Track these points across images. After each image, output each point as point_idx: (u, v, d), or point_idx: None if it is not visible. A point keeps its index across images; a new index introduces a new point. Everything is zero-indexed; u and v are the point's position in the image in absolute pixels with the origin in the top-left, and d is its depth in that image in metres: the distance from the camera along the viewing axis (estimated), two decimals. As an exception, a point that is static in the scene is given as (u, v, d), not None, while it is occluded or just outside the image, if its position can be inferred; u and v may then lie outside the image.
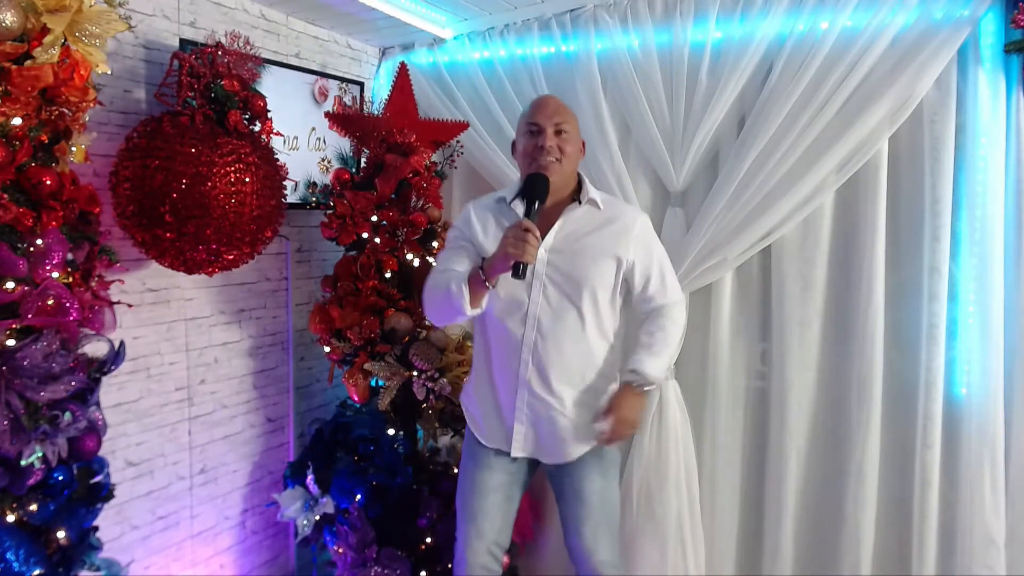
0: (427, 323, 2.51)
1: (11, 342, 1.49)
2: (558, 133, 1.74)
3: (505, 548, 1.92)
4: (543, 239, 1.71)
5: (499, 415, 1.85)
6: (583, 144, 1.85)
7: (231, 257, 2.04)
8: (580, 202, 1.78)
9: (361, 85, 2.89)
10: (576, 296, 1.73)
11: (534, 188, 1.67)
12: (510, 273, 1.57)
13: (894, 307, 2.16)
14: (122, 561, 1.90)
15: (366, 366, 2.31)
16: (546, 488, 2.03)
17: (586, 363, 1.79)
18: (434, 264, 1.84)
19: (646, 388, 1.71)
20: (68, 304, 1.55)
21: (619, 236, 1.76)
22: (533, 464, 1.92)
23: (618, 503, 1.91)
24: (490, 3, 2.50)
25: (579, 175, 1.83)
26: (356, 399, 2.43)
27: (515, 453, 1.83)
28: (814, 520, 2.29)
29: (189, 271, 2.03)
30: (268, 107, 2.10)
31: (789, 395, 2.27)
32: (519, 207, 1.76)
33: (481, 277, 1.63)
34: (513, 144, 1.87)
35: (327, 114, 2.44)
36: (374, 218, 2.36)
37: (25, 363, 1.49)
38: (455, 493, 1.96)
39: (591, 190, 1.81)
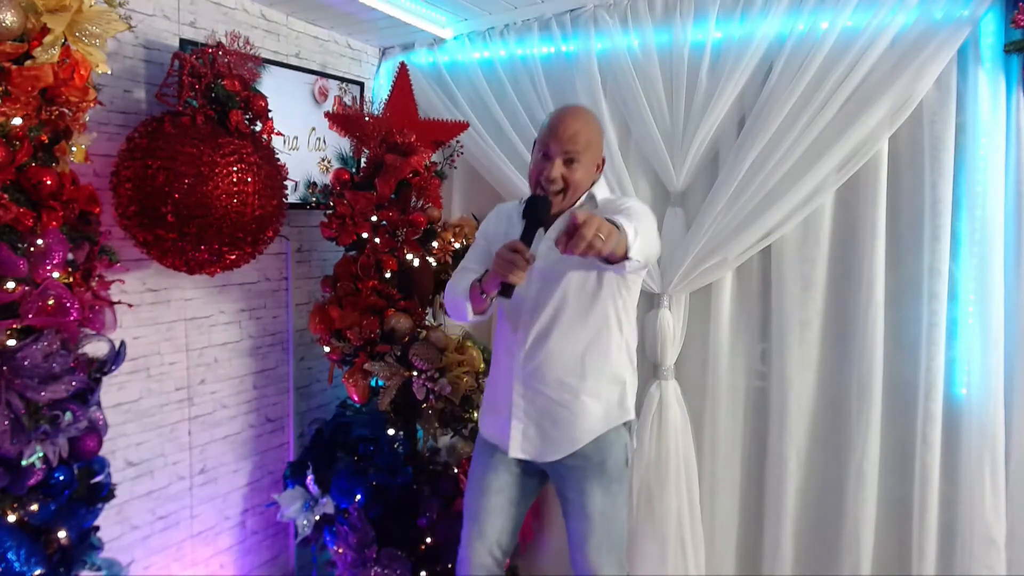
0: (427, 323, 2.51)
1: (11, 342, 1.49)
2: (568, 163, 1.69)
3: (507, 552, 1.90)
4: (544, 233, 1.74)
5: (498, 411, 1.87)
6: (603, 161, 1.80)
7: (233, 257, 2.04)
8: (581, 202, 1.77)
9: (361, 85, 2.89)
10: (566, 286, 1.73)
11: (536, 211, 1.62)
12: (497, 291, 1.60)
13: (894, 307, 2.16)
14: (122, 561, 1.91)
15: (366, 366, 2.31)
16: (547, 489, 2.02)
17: (579, 350, 1.76)
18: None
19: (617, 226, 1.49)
20: (68, 304, 1.55)
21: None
22: (542, 475, 1.91)
23: (624, 521, 1.87)
24: (490, 3, 2.50)
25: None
26: (356, 399, 2.43)
27: (512, 453, 1.82)
28: (814, 520, 2.29)
29: (191, 271, 2.03)
30: (269, 107, 2.10)
31: (789, 395, 2.27)
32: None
33: (479, 290, 1.69)
34: (535, 143, 1.79)
35: (327, 114, 2.44)
36: (374, 218, 2.36)
37: (25, 363, 1.49)
38: (455, 494, 1.97)
39: (598, 192, 1.78)
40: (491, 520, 1.85)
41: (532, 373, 1.79)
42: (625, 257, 1.50)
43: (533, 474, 1.90)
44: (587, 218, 1.37)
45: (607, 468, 1.80)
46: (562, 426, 1.79)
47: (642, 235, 1.53)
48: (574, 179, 1.70)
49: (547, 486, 1.99)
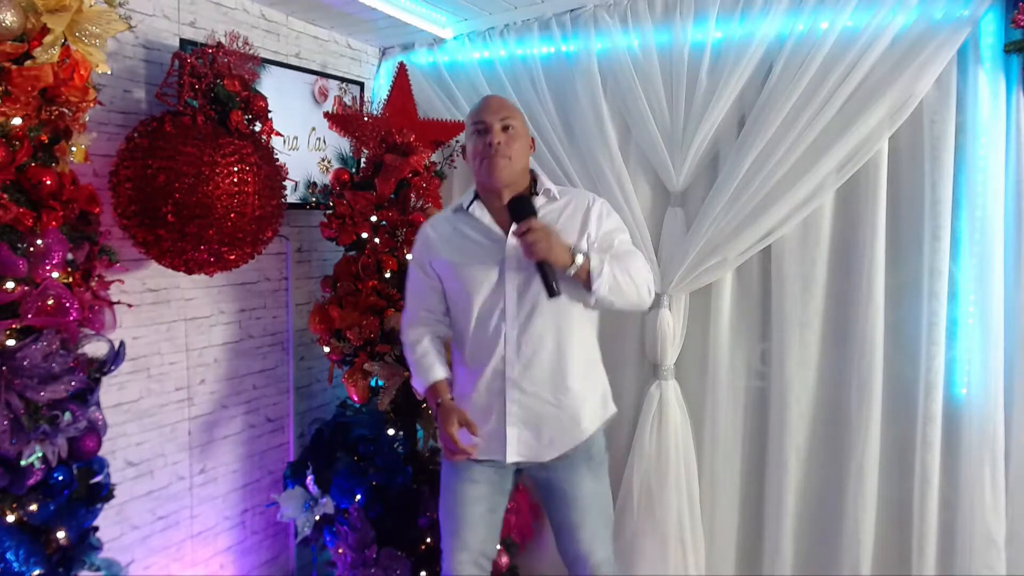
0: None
1: (11, 342, 1.49)
2: (505, 129, 1.71)
3: (492, 558, 1.89)
4: (507, 236, 1.71)
5: (488, 422, 1.77)
6: (532, 141, 1.84)
7: (233, 257, 2.05)
8: (537, 194, 1.77)
9: (361, 85, 2.89)
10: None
11: (522, 209, 1.64)
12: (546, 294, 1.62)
13: (894, 307, 2.16)
14: (122, 561, 1.90)
15: (366, 366, 2.31)
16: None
17: (568, 351, 1.75)
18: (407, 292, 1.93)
19: (575, 255, 1.62)
20: (68, 304, 1.55)
21: (578, 215, 1.76)
22: (516, 472, 1.89)
23: (611, 502, 1.90)
24: (490, 3, 2.50)
25: (532, 171, 1.82)
26: (356, 399, 2.43)
27: (510, 459, 1.76)
28: (814, 520, 2.29)
29: (190, 271, 2.03)
30: (269, 107, 2.10)
31: (789, 395, 2.27)
32: (478, 210, 1.77)
33: (432, 401, 1.79)
34: (463, 148, 1.85)
35: (326, 114, 2.44)
36: (374, 218, 2.36)
37: (25, 363, 1.49)
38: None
39: (546, 182, 1.80)
40: (474, 532, 1.82)
41: (523, 374, 1.73)
42: (588, 287, 1.62)
43: (508, 475, 1.87)
44: (536, 228, 1.58)
45: (592, 454, 1.83)
46: (559, 428, 1.77)
47: (616, 276, 1.64)
48: (514, 148, 1.71)
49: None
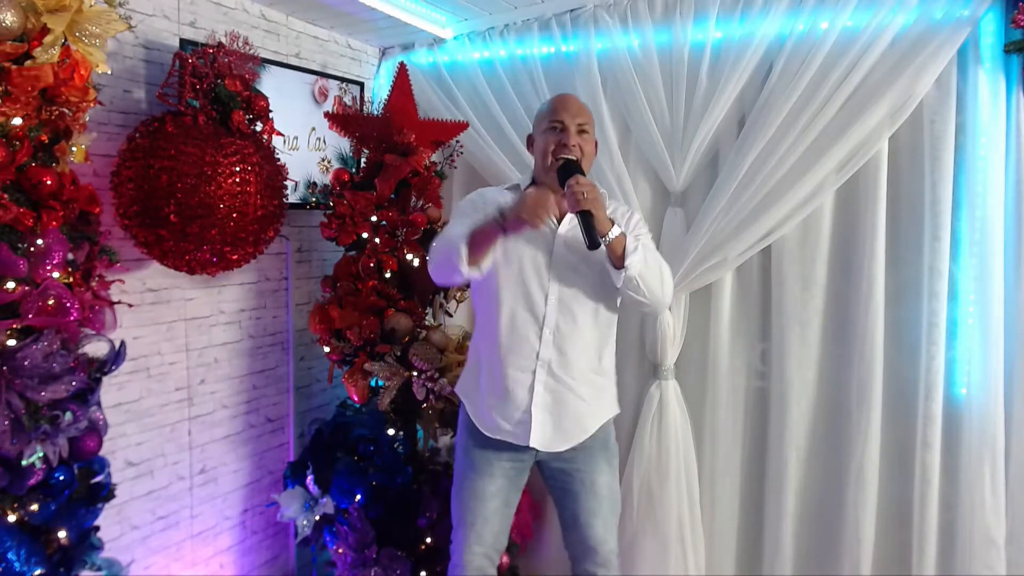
0: (427, 323, 2.51)
1: (11, 342, 1.49)
2: (580, 133, 1.77)
3: (502, 551, 1.91)
4: (558, 225, 1.78)
5: (512, 402, 1.78)
6: (596, 144, 1.89)
7: (235, 257, 2.05)
8: None
9: (361, 85, 2.89)
10: (589, 278, 1.77)
11: (571, 168, 1.69)
12: (586, 244, 1.62)
13: (894, 307, 2.16)
14: (122, 561, 1.91)
15: (366, 366, 2.31)
16: (546, 488, 2.01)
17: (595, 344, 1.82)
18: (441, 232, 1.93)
19: (611, 229, 1.64)
20: (68, 304, 1.55)
21: (616, 213, 1.82)
22: (535, 464, 1.91)
23: (619, 495, 1.93)
24: (490, 3, 2.50)
25: None
26: (356, 399, 2.43)
27: (533, 443, 1.77)
28: (814, 520, 2.29)
29: (192, 271, 2.03)
30: (270, 107, 2.10)
31: (789, 395, 2.27)
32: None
33: (498, 227, 1.60)
34: (530, 138, 1.89)
35: (327, 114, 2.44)
36: (374, 218, 2.36)
37: (26, 363, 1.49)
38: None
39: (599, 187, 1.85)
40: (489, 526, 1.85)
41: (557, 360, 1.76)
42: (622, 263, 1.64)
43: (525, 469, 1.89)
44: (584, 181, 1.64)
45: (609, 446, 1.89)
46: (578, 420, 1.80)
47: (648, 261, 1.68)
48: (587, 150, 1.79)
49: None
